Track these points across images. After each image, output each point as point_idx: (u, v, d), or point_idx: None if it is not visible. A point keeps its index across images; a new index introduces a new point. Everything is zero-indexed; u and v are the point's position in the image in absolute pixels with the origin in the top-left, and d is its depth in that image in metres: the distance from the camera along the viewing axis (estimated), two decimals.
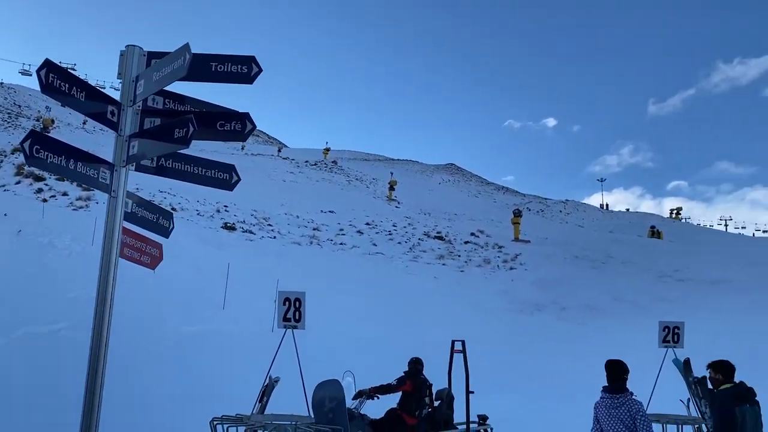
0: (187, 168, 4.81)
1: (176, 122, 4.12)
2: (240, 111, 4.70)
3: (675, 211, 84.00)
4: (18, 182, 26.24)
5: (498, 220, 45.69)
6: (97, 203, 23.97)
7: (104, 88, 62.80)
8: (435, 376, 8.20)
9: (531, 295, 23.56)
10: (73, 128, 55.96)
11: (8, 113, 59.00)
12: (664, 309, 20.69)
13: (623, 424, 5.12)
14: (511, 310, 21.88)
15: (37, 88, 4.19)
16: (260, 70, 4.56)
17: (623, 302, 23.28)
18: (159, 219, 5.17)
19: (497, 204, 69.70)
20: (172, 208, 26.58)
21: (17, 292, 13.98)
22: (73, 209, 23.94)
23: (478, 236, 33.84)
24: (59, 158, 4.06)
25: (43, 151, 3.96)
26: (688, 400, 7.60)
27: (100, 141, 37.81)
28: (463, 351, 7.87)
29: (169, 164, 4.83)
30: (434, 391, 8.22)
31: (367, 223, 34.21)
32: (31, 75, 71.76)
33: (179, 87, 4.81)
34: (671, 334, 7.81)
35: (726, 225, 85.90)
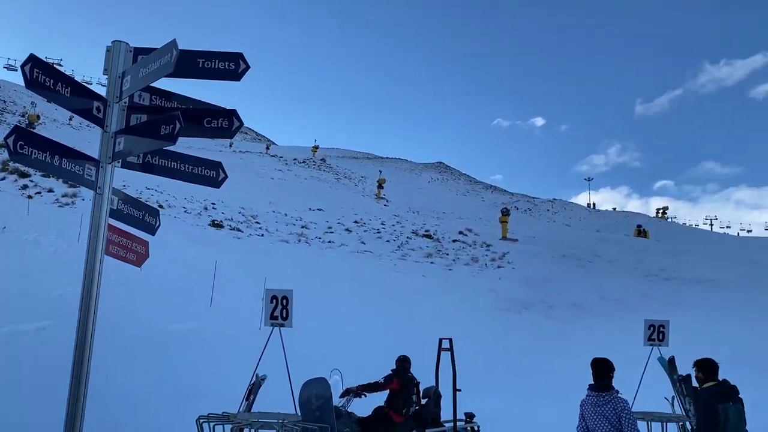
0: (174, 165, 4.79)
1: (163, 119, 4.09)
2: (227, 108, 4.68)
3: (661, 211, 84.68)
4: (3, 178, 25.97)
5: (486, 218, 45.83)
6: (83, 200, 23.78)
7: (91, 84, 62.30)
8: (422, 374, 8.21)
9: (518, 294, 23.66)
10: (59, 124, 55.42)
11: None
12: (650, 308, 20.86)
13: (609, 422, 5.15)
14: (499, 308, 21.96)
15: (23, 83, 4.15)
16: (248, 67, 4.54)
17: (609, 301, 23.44)
18: (145, 216, 5.14)
19: (485, 203, 69.90)
20: (159, 206, 26.42)
21: (1, 290, 13.84)
22: (59, 206, 23.73)
23: (466, 235, 33.93)
24: (44, 154, 4.02)
25: (28, 148, 3.93)
26: (673, 397, 7.66)
27: (86, 137, 37.50)
28: (451, 349, 7.89)
29: (155, 161, 4.80)
30: (421, 389, 8.23)
31: (356, 221, 34.19)
32: (16, 70, 70.94)
33: (166, 83, 4.79)
34: (656, 333, 7.87)
35: (711, 224, 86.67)
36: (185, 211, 28.32)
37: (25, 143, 3.90)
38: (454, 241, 32.14)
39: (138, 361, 11.45)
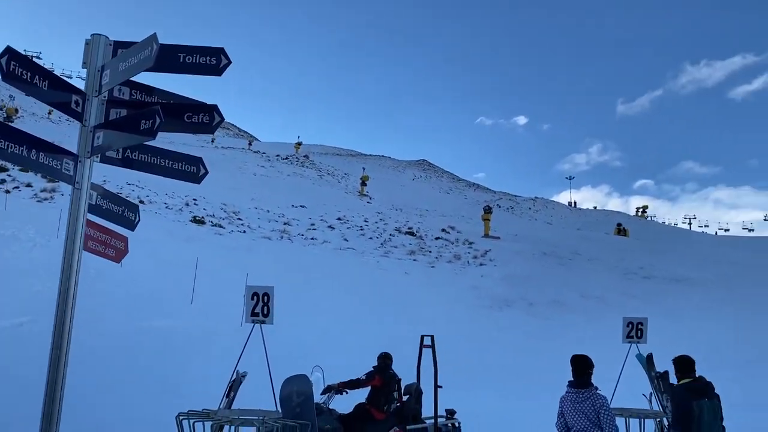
0: (154, 160, 4.74)
1: (142, 113, 4.05)
2: (208, 103, 4.65)
3: (641, 210, 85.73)
4: None
5: (469, 216, 46.00)
6: (62, 195, 23.49)
7: (71, 78, 61.55)
8: (404, 371, 8.23)
9: (500, 291, 23.79)
10: (38, 118, 54.64)
11: None
12: (629, 305, 21.11)
13: (587, 418, 5.21)
14: (481, 305, 22.07)
15: None
16: (229, 62, 4.51)
17: (589, 298, 23.67)
18: (125, 211, 5.09)
19: (468, 200, 70.16)
20: (140, 201, 26.18)
21: None
22: (38, 201, 23.42)
23: (448, 232, 34.04)
24: (21, 148, 3.96)
25: (5, 141, 3.87)
26: (651, 394, 7.75)
27: (65, 132, 37.03)
28: (432, 346, 7.92)
29: (135, 156, 4.75)
30: (403, 386, 8.25)
31: (339, 218, 34.14)
32: None
33: (147, 78, 4.74)
34: (635, 330, 7.94)
35: (690, 223, 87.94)
36: (166, 207, 28.08)
37: (2, 137, 3.84)
38: (436, 238, 32.22)
39: (117, 358, 11.35)
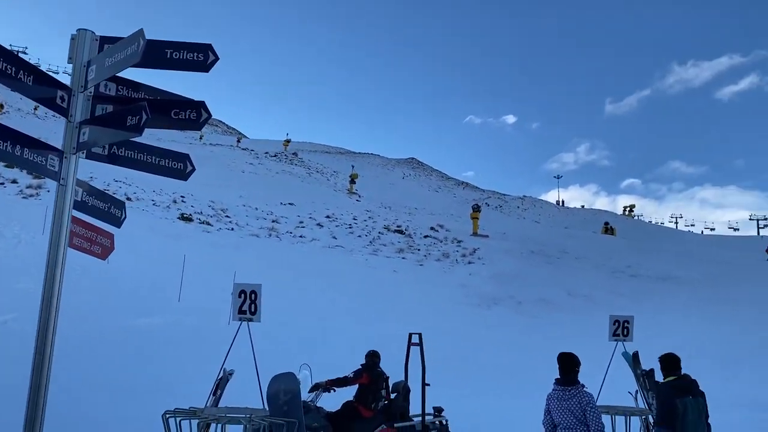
0: (140, 156, 4.70)
1: (129, 109, 4.01)
2: (196, 99, 4.61)
3: (628, 209, 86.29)
4: None
5: (457, 214, 46.12)
6: (48, 191, 23.29)
7: (57, 73, 61.00)
8: (392, 369, 8.24)
9: (488, 289, 23.88)
10: (23, 114, 54.12)
11: None
12: (616, 304, 21.25)
13: (573, 416, 5.24)
14: (469, 303, 22.14)
15: None
16: (217, 59, 4.48)
17: (577, 297, 23.80)
18: (110, 208, 5.04)
19: (457, 199, 70.33)
20: (127, 198, 26.01)
21: None
22: (23, 197, 23.20)
23: (437, 230, 34.09)
24: (5, 144, 3.92)
25: None
26: (636, 392, 7.81)
27: (51, 128, 36.69)
28: (420, 344, 7.93)
29: (121, 152, 4.70)
30: (391, 384, 8.25)
31: (328, 216, 34.10)
32: None
33: (134, 74, 4.70)
34: (621, 328, 7.99)
35: (676, 222, 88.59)
36: (154, 204, 27.92)
37: None
38: (425, 236, 32.27)
39: (104, 356, 11.28)
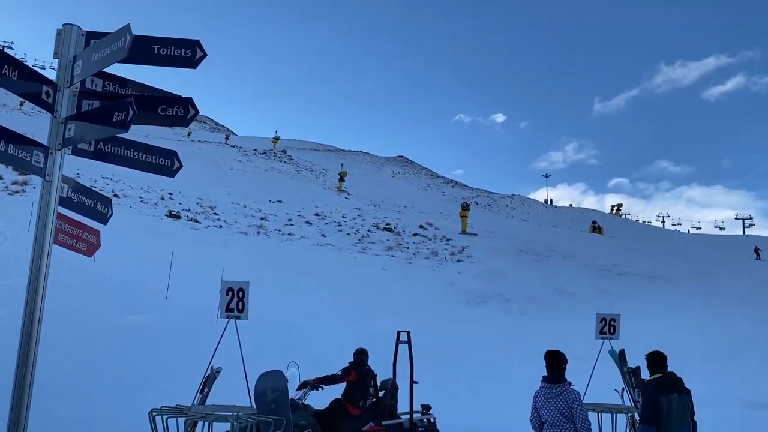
0: (127, 153, 4.65)
1: (115, 105, 3.97)
2: (183, 96, 4.58)
3: (616, 207, 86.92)
4: None
5: (446, 213, 46.20)
6: (34, 188, 23.08)
7: (44, 69, 60.36)
8: (381, 367, 8.24)
9: (477, 287, 23.95)
10: (9, 109, 53.56)
11: None
12: (603, 301, 21.38)
13: (560, 413, 5.26)
14: (457, 301, 22.20)
15: None
16: (204, 55, 4.45)
17: (564, 294, 23.93)
18: (97, 205, 4.99)
19: (446, 197, 70.46)
20: (115, 195, 25.84)
21: None
22: (8, 194, 22.99)
23: (426, 229, 34.13)
24: None
25: None
26: (623, 389, 7.86)
27: (37, 123, 36.34)
28: (409, 342, 7.93)
29: (107, 149, 4.66)
30: (379, 382, 8.25)
31: (317, 214, 34.04)
32: None
33: (122, 70, 4.65)
34: (608, 326, 8.03)
35: (663, 221, 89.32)
36: (141, 201, 27.75)
37: None
38: (414, 234, 32.30)
39: (90, 354, 11.20)
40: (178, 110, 4.47)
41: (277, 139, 77.95)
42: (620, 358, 7.79)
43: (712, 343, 17.80)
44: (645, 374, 6.25)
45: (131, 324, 13.62)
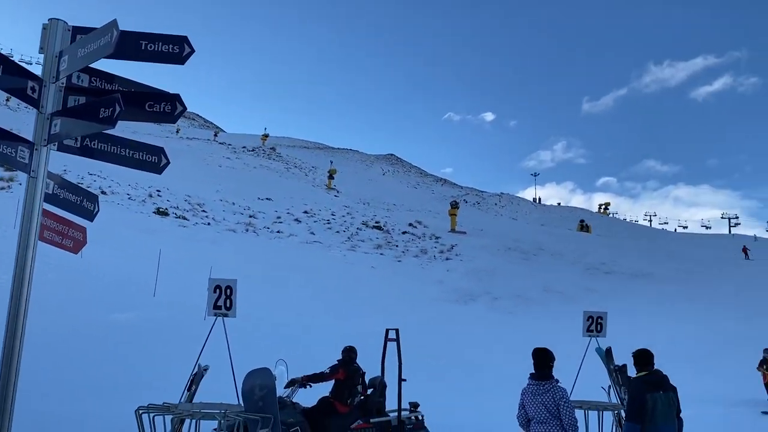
0: (114, 149, 4.61)
1: (102, 101, 3.94)
2: (171, 92, 4.55)
3: (603, 206, 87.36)
4: None
5: (436, 211, 46.27)
6: (20, 184, 22.87)
7: (30, 64, 59.74)
8: (369, 365, 8.24)
9: (465, 285, 24.02)
10: None
11: None
12: (590, 300, 21.53)
13: (547, 410, 5.28)
14: (446, 299, 22.25)
15: None
16: (192, 51, 4.41)
17: (552, 292, 24.05)
18: (83, 201, 4.95)
19: (435, 195, 70.55)
20: (102, 192, 25.66)
21: None
22: None
23: (415, 227, 34.18)
24: None
25: None
26: (609, 387, 7.91)
27: (24, 119, 36.02)
28: (397, 339, 7.94)
29: (94, 145, 4.61)
30: (367, 379, 8.25)
31: (306, 212, 33.98)
32: None
33: (109, 66, 4.62)
34: (595, 324, 8.07)
35: (650, 220, 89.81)
36: (129, 198, 27.58)
37: None
38: (403, 232, 32.33)
39: (76, 351, 11.12)
40: (165, 106, 4.44)
41: (266, 136, 77.72)
42: (607, 355, 7.84)
43: (698, 340, 17.96)
44: (632, 372, 6.29)
45: (119, 321, 13.53)
